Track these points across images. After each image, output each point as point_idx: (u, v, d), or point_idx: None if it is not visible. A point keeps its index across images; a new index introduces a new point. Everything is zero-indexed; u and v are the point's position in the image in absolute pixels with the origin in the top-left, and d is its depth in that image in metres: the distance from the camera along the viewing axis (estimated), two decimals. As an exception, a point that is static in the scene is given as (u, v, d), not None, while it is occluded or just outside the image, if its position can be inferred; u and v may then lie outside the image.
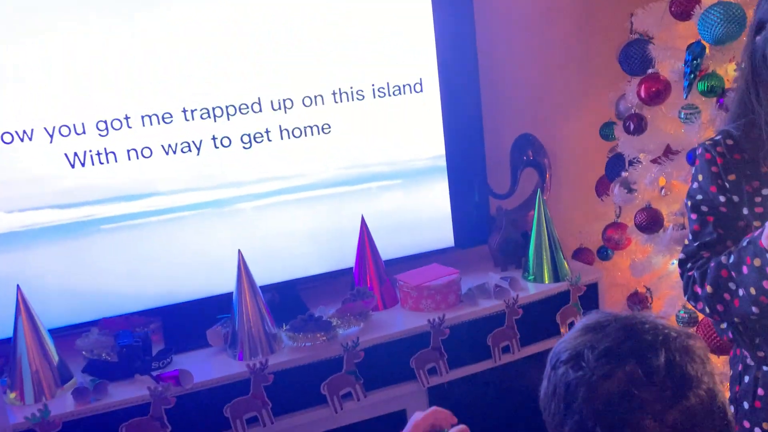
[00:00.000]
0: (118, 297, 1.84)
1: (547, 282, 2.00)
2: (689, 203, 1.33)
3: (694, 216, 1.33)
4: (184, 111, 1.83)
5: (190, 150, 1.85)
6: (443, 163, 2.11)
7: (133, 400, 1.55)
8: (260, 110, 1.90)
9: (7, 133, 1.69)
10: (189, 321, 1.86)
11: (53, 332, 1.67)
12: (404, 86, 2.03)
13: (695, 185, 1.33)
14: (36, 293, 1.65)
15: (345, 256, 1.99)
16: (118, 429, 1.54)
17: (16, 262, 1.74)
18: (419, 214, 2.10)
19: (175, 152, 1.84)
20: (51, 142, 1.73)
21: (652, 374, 0.82)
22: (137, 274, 1.85)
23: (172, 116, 1.82)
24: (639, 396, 0.81)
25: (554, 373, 0.88)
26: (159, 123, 1.81)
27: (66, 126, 1.74)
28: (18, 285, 1.60)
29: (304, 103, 1.94)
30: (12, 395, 1.58)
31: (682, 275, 1.35)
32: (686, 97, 1.93)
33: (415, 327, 1.80)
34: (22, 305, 1.59)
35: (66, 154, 1.75)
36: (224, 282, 1.81)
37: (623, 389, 0.82)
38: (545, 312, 1.97)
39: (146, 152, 1.81)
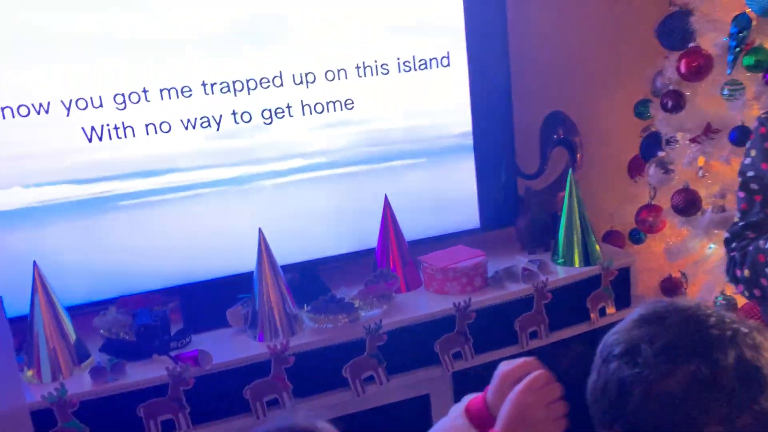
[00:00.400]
0: (137, 275, 1.81)
1: (577, 265, 1.93)
2: (740, 179, 1.26)
3: (742, 194, 1.25)
4: (204, 85, 1.77)
5: (209, 125, 1.80)
6: (470, 141, 2.03)
7: (151, 381, 1.52)
8: (281, 84, 1.84)
9: (24, 106, 1.65)
10: (208, 300, 1.82)
11: (70, 310, 1.64)
12: (431, 60, 1.95)
13: (747, 160, 1.25)
14: (53, 270, 1.62)
15: (367, 237, 1.93)
16: (135, 409, 1.51)
17: (33, 238, 1.71)
18: (444, 194, 2.03)
19: (194, 127, 1.79)
20: (68, 115, 1.69)
21: (720, 374, 0.73)
22: (156, 251, 1.81)
23: (191, 90, 1.77)
24: (704, 399, 0.73)
25: (605, 367, 0.80)
26: (178, 97, 1.76)
27: (83, 99, 1.69)
28: (35, 261, 1.56)
29: (326, 78, 1.87)
30: (29, 373, 1.56)
31: (726, 255, 1.28)
32: (730, 72, 1.83)
33: (440, 310, 1.74)
34: (38, 282, 1.56)
35: (83, 128, 1.71)
36: (244, 261, 1.76)
37: (686, 390, 0.74)
38: (575, 297, 1.90)
39: (165, 127, 1.76)
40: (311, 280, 1.94)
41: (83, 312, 1.74)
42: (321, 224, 1.94)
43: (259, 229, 1.67)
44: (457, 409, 1.00)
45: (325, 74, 1.87)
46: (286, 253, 1.82)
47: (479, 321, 1.76)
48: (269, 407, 1.59)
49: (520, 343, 1.82)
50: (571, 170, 1.96)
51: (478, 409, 0.98)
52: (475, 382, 1.80)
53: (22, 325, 1.60)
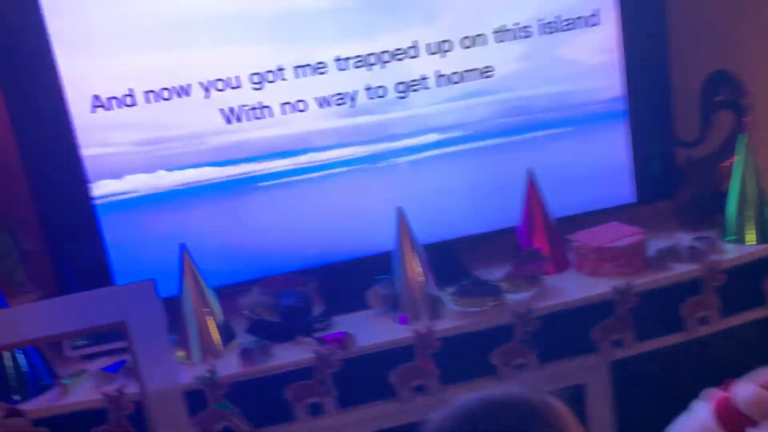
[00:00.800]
0: (276, 256, 1.80)
1: (752, 243, 1.70)
2: None
3: None
4: (338, 60, 1.72)
5: (344, 102, 1.74)
6: (622, 106, 1.84)
7: (297, 363, 1.50)
8: (416, 55, 1.75)
9: (165, 89, 1.67)
10: (346, 281, 1.78)
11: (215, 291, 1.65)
12: (577, 19, 1.78)
13: None
14: (197, 251, 1.63)
15: (508, 214, 1.81)
16: (282, 391, 1.50)
17: (177, 220, 1.74)
18: (593, 166, 1.87)
19: (329, 105, 1.74)
20: (207, 97, 1.69)
21: None
22: (294, 232, 1.79)
23: (325, 66, 1.71)
24: None
25: None
26: (313, 74, 1.71)
27: (221, 80, 1.69)
28: (184, 244, 1.58)
29: (463, 45, 1.76)
30: (180, 353, 1.58)
31: None
32: None
33: (596, 294, 1.60)
34: (187, 264, 1.58)
35: (222, 110, 1.70)
36: (381, 241, 1.70)
37: None
38: (749, 278, 1.69)
39: (300, 105, 1.73)
40: (449, 261, 1.85)
41: (224, 293, 1.75)
42: (459, 201, 1.84)
43: (399, 208, 1.60)
44: (700, 405, 0.87)
45: (462, 42, 1.75)
46: (423, 232, 1.74)
47: (641, 305, 1.59)
48: (415, 393, 1.53)
49: (687, 329, 1.63)
50: (743, 135, 1.73)
51: (724, 405, 0.84)
52: (635, 372, 1.65)
53: (172, 306, 1.63)
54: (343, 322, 1.65)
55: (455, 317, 1.59)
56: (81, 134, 1.64)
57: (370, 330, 1.59)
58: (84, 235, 1.71)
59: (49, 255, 1.74)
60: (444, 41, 1.75)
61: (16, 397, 1.46)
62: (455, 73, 1.77)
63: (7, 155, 1.71)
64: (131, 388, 1.43)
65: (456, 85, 1.78)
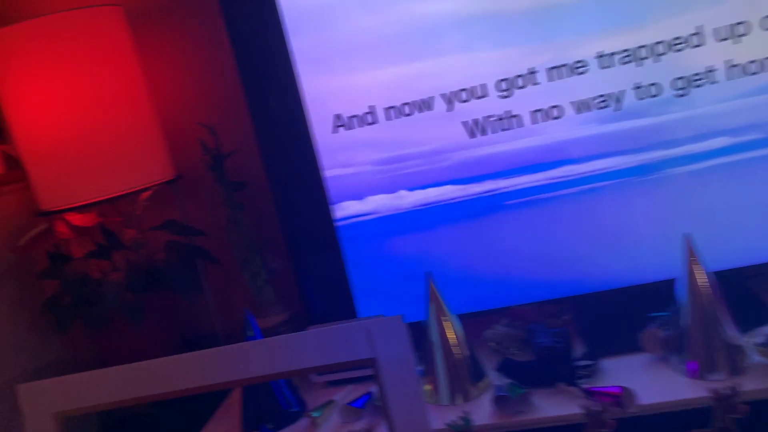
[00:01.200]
0: (524, 282, 1.60)
1: None
2: None
3: None
4: (600, 57, 1.46)
5: (607, 105, 1.48)
6: None
7: (562, 418, 1.28)
8: (700, 44, 1.43)
9: (407, 104, 1.56)
10: (609, 315, 1.53)
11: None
12: None
13: None
14: (437, 274, 1.50)
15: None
16: (541, 447, 1.30)
17: (418, 240, 1.63)
18: None
19: (589, 109, 1.49)
20: (449, 110, 1.55)
21: None
22: (546, 256, 1.58)
23: (585, 65, 1.47)
24: None
25: None
26: (569, 75, 1.48)
27: (464, 90, 1.53)
28: (429, 271, 1.46)
29: (765, 27, 1.39)
30: (427, 387, 1.46)
31: None
32: None
33: None
34: (433, 291, 1.45)
35: (465, 123, 1.55)
36: (654, 267, 1.43)
37: None
38: None
39: (555, 112, 1.51)
40: (745, 295, 1.50)
41: (466, 321, 1.60)
42: (757, 220, 1.48)
43: (686, 235, 1.31)
44: None
45: (765, 22, 1.39)
46: (709, 258, 1.42)
47: None
48: (711, 465, 1.23)
49: None
50: None
51: None
52: None
53: (417, 332, 1.52)
54: (611, 369, 1.40)
55: (763, 373, 1.25)
56: (324, 155, 1.61)
57: (648, 382, 1.32)
58: (327, 255, 1.68)
59: (295, 275, 1.74)
60: (738, 23, 1.40)
61: (269, 426, 1.46)
62: (753, 61, 1.41)
63: (256, 177, 1.75)
64: (379, 428, 1.35)
65: (754, 77, 1.42)
